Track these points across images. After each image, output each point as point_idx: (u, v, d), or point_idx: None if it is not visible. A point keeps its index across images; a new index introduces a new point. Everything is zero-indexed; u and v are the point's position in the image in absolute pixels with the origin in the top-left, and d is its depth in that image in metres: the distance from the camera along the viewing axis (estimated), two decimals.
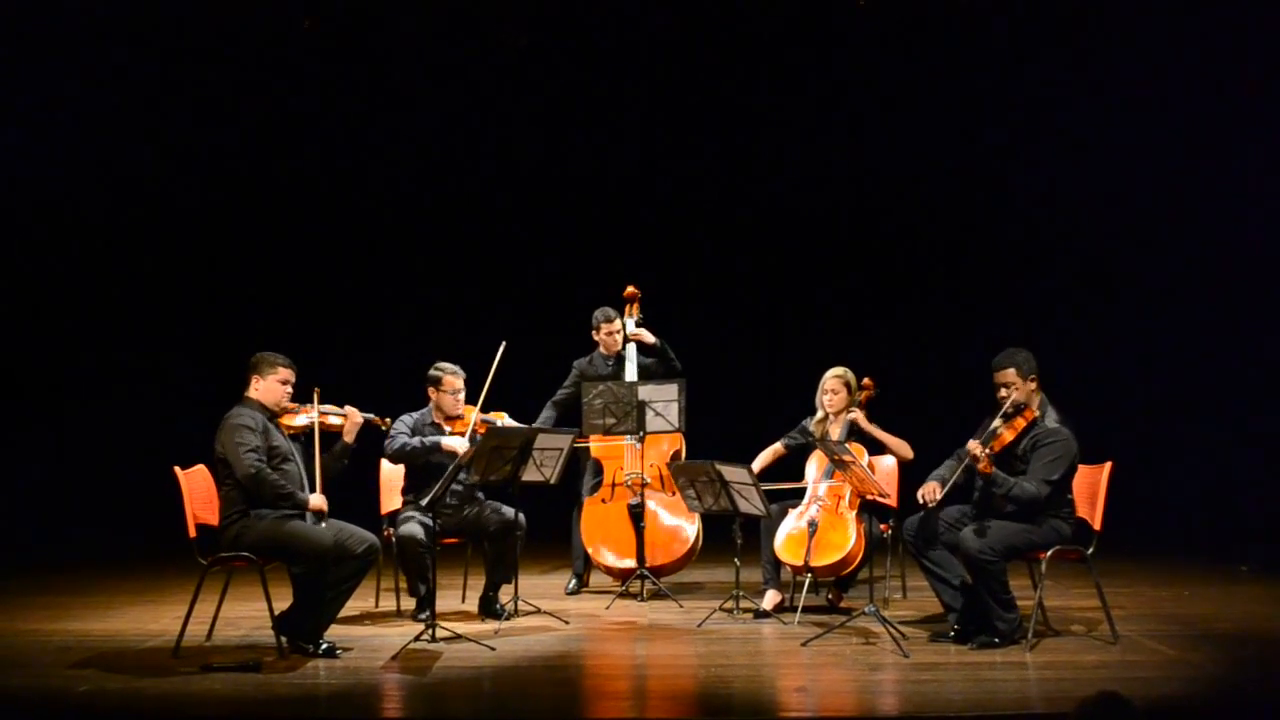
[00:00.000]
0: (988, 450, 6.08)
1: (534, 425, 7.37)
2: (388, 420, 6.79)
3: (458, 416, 7.13)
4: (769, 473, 7.27)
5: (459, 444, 6.89)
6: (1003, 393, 6.20)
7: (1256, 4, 9.50)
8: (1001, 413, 6.19)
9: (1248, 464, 9.62)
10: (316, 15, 10.04)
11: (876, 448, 7.16)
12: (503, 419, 7.17)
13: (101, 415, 10.51)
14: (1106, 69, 10.15)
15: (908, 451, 7.12)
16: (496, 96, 10.82)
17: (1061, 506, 6.15)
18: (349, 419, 6.44)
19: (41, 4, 9.77)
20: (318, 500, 6.20)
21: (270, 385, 6.27)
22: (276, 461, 6.15)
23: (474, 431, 6.94)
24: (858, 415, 7.10)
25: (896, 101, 10.69)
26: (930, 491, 6.26)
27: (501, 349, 6.96)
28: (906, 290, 11.00)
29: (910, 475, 7.08)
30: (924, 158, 10.80)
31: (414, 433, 7.08)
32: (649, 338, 7.96)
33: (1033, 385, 6.22)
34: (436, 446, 6.93)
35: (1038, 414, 6.20)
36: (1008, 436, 6.16)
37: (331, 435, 6.42)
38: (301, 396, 6.40)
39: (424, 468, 6.97)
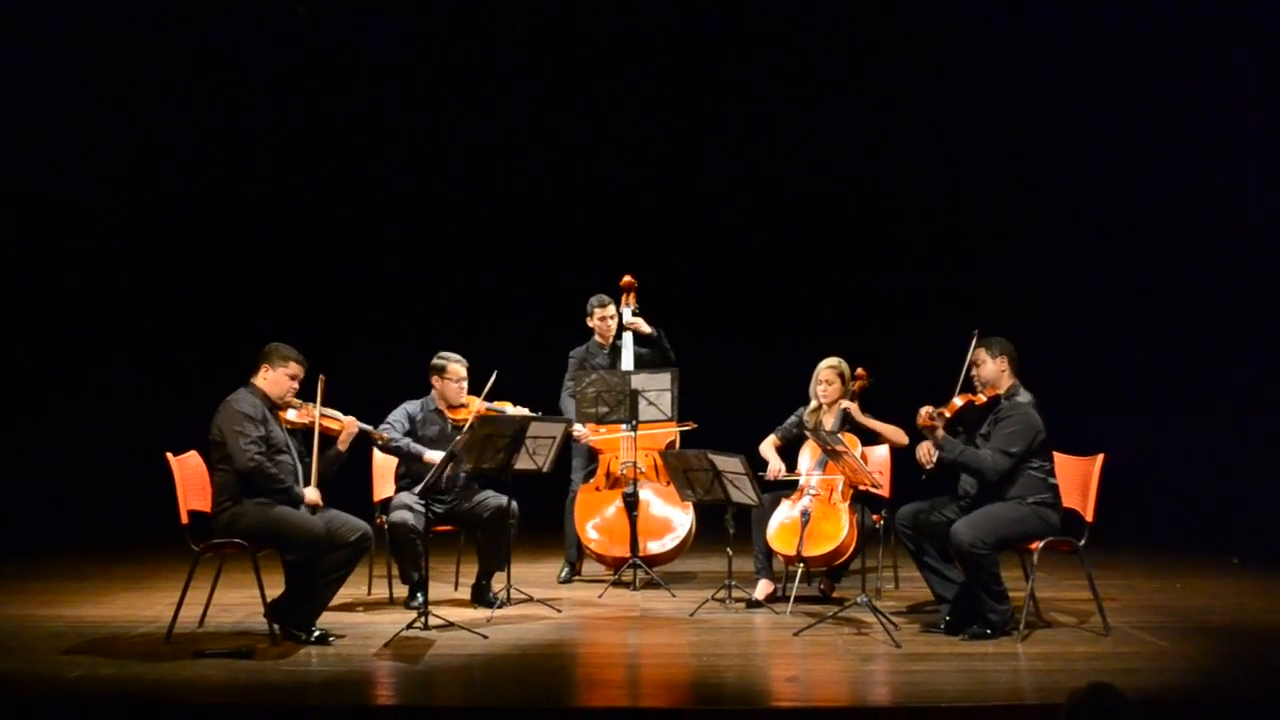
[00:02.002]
0: (938, 412, 6.12)
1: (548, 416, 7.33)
2: (384, 435, 6.78)
3: (461, 405, 7.11)
4: (757, 462, 7.26)
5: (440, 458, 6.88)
6: (973, 371, 6.29)
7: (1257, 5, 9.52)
8: (962, 384, 6.25)
9: (1240, 456, 9.63)
10: (311, 3, 10.03)
11: (870, 438, 7.16)
12: (508, 409, 7.14)
13: (94, 401, 10.51)
14: (1105, 66, 10.16)
15: (902, 438, 7.11)
16: (493, 87, 10.80)
17: (1044, 491, 6.15)
18: (346, 428, 6.43)
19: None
20: (313, 495, 6.21)
21: (278, 378, 6.25)
22: (271, 452, 6.14)
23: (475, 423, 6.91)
24: (851, 406, 7.10)
25: (895, 94, 10.69)
26: (926, 452, 6.24)
27: (493, 377, 6.94)
28: (903, 282, 11.00)
29: (904, 466, 7.09)
30: (922, 149, 10.81)
31: (413, 423, 7.07)
32: (645, 327, 7.95)
33: (1003, 366, 6.27)
34: (419, 457, 6.90)
35: (1002, 393, 6.23)
36: (958, 403, 6.23)
37: (327, 439, 6.41)
38: (306, 394, 6.38)
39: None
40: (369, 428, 6.60)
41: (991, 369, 6.27)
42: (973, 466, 6.11)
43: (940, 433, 6.15)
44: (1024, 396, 6.26)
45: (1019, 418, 6.14)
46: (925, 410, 6.17)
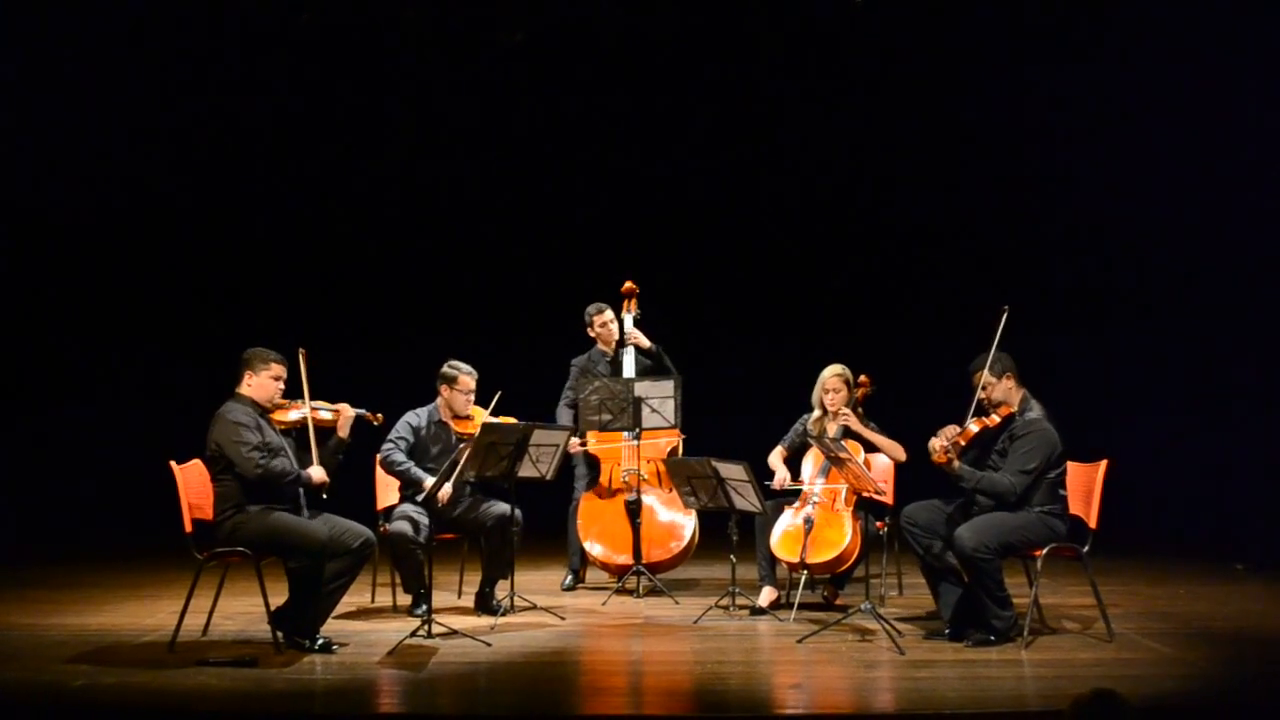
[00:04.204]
0: (950, 444, 6.10)
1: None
2: (379, 416, 6.71)
3: (466, 417, 7.11)
4: (764, 472, 7.27)
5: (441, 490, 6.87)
6: (980, 393, 6.25)
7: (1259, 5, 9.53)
8: (974, 409, 6.22)
9: (1244, 462, 9.63)
10: (316, 9, 10.03)
11: (871, 445, 7.14)
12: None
13: (97, 410, 10.52)
14: (1106, 65, 10.16)
15: (900, 453, 7.09)
16: (493, 92, 10.82)
17: (1053, 501, 6.15)
18: (341, 414, 6.44)
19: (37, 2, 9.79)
20: (318, 473, 6.21)
21: (263, 381, 6.26)
22: (270, 458, 6.14)
23: None
24: (849, 415, 7.07)
25: (896, 98, 10.69)
26: (941, 449, 6.15)
27: (497, 397, 6.97)
28: (905, 287, 11.01)
29: (905, 472, 7.09)
30: (922, 154, 10.82)
31: (416, 435, 7.06)
32: (645, 342, 7.93)
33: (1010, 383, 6.26)
34: (418, 483, 6.86)
35: (1015, 410, 6.22)
36: (973, 429, 6.20)
37: (324, 430, 6.42)
38: (291, 392, 6.39)
39: (422, 464, 6.98)
40: (364, 411, 6.56)
41: (1000, 389, 6.25)
42: (992, 492, 6.09)
43: (957, 464, 6.13)
44: (1035, 411, 6.23)
45: (1036, 435, 6.12)
46: (939, 445, 6.14)
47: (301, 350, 6.39)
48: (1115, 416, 9.65)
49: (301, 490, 6.25)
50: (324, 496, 6.28)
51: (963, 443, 6.17)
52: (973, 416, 6.24)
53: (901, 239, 11.05)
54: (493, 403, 6.97)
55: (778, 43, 10.53)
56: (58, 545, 9.60)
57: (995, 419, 6.23)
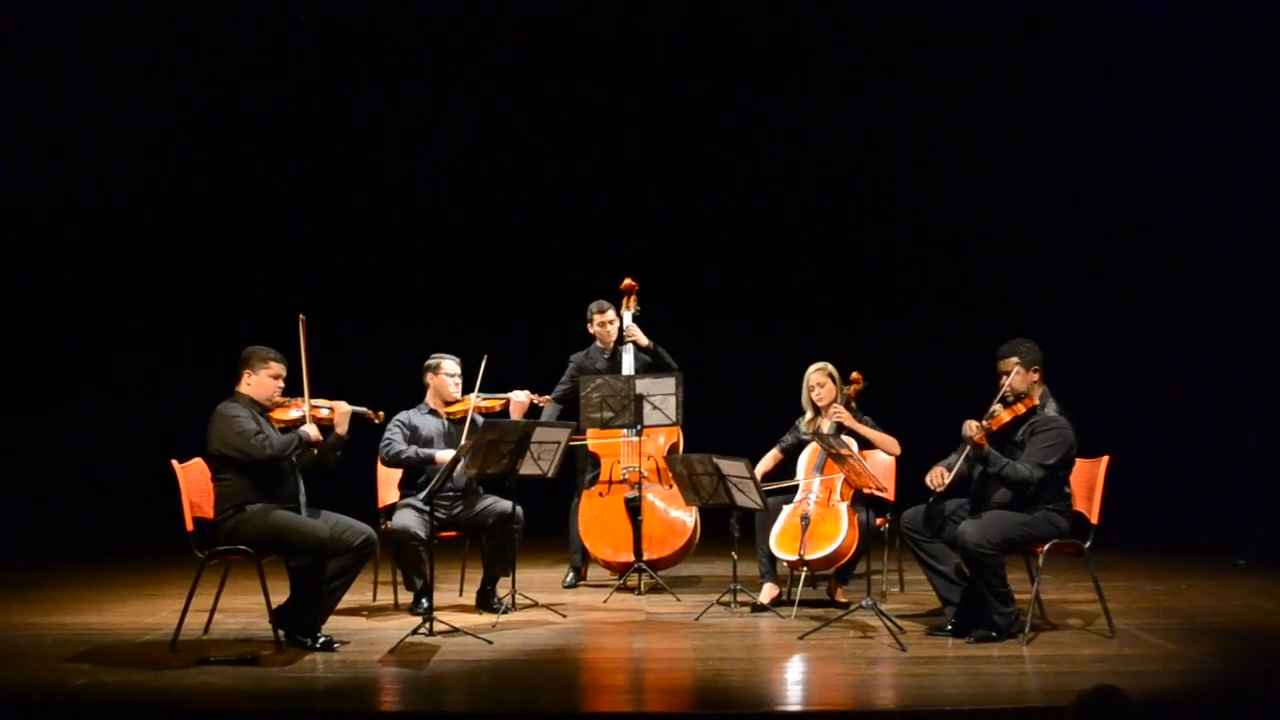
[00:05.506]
0: (984, 426, 6.10)
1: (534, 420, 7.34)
2: (380, 414, 6.71)
3: (456, 400, 7.14)
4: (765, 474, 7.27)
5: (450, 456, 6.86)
6: (1004, 380, 6.23)
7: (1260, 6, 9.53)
8: (1000, 397, 6.21)
9: (1245, 457, 9.62)
10: (315, 9, 10.04)
11: (866, 442, 7.12)
12: (505, 395, 7.15)
13: (98, 408, 10.52)
14: (1107, 65, 10.16)
15: (895, 447, 7.08)
16: (495, 90, 10.82)
17: (1059, 499, 6.16)
18: (336, 410, 6.42)
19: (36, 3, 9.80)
20: (313, 431, 6.24)
21: (263, 380, 6.26)
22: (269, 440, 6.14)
23: (473, 418, 6.94)
24: (841, 412, 7.05)
25: (892, 96, 10.69)
26: (938, 476, 6.22)
27: (484, 362, 6.99)
28: (905, 284, 11.01)
29: (906, 469, 7.07)
30: (921, 152, 10.82)
31: (410, 430, 7.08)
32: (643, 340, 7.92)
33: (1035, 376, 6.24)
34: (430, 459, 6.91)
35: (1038, 403, 6.22)
36: (1005, 417, 6.19)
37: (323, 428, 6.41)
38: (291, 390, 6.39)
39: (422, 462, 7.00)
40: (361, 409, 6.56)
41: (1025, 380, 6.22)
42: (1013, 479, 6.08)
43: (987, 444, 6.13)
44: (1052, 408, 6.23)
45: (1057, 432, 6.11)
46: (976, 426, 6.14)
47: (301, 316, 6.36)
48: (1117, 412, 9.64)
49: (302, 489, 6.25)
50: (315, 444, 6.28)
51: (994, 428, 6.17)
52: (1003, 405, 6.22)
53: (901, 236, 11.04)
54: (480, 370, 6.97)
55: (777, 41, 10.53)
56: (59, 544, 9.60)
57: (1020, 408, 6.22)
